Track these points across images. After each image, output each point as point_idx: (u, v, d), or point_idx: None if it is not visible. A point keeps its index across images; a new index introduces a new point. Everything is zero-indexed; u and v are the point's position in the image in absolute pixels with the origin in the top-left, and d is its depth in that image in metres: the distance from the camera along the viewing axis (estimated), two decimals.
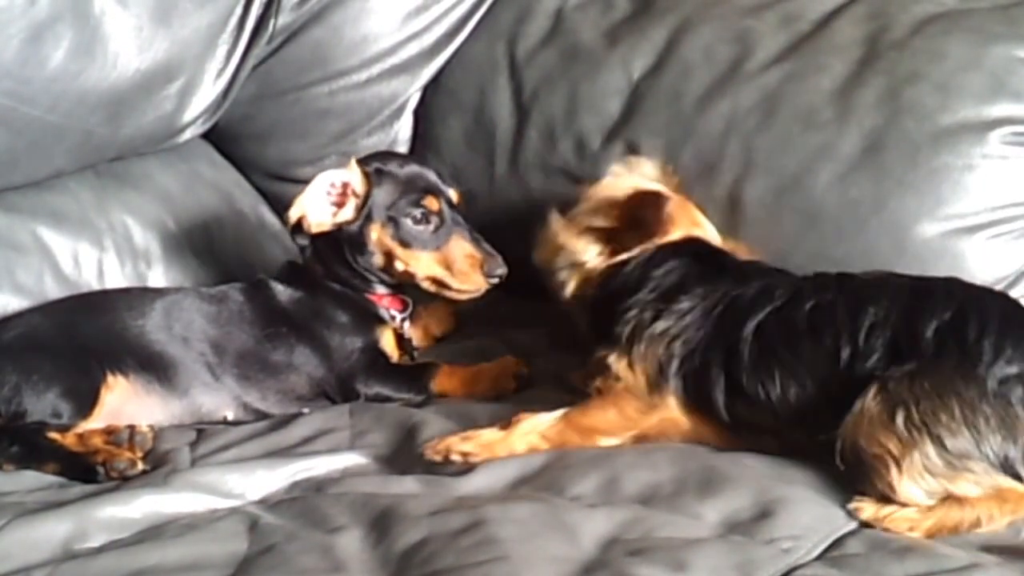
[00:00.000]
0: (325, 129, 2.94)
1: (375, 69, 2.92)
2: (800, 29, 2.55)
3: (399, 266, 2.44)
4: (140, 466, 2.15)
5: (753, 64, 2.55)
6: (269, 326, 2.43)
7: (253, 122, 2.95)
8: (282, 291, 2.47)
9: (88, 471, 2.14)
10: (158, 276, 2.72)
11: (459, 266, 2.42)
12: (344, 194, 2.42)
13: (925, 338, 1.91)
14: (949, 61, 2.38)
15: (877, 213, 2.35)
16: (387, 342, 2.47)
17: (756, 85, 2.53)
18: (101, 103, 2.61)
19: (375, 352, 2.44)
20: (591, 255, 2.29)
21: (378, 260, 2.45)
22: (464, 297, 2.46)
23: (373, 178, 2.43)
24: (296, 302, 2.46)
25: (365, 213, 2.42)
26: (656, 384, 2.08)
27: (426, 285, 2.46)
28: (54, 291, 2.57)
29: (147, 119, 2.73)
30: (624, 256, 2.23)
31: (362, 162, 2.46)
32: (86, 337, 2.35)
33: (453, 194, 2.48)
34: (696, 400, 2.07)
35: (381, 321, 2.48)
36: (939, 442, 1.83)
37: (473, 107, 2.87)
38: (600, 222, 2.30)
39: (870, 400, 1.87)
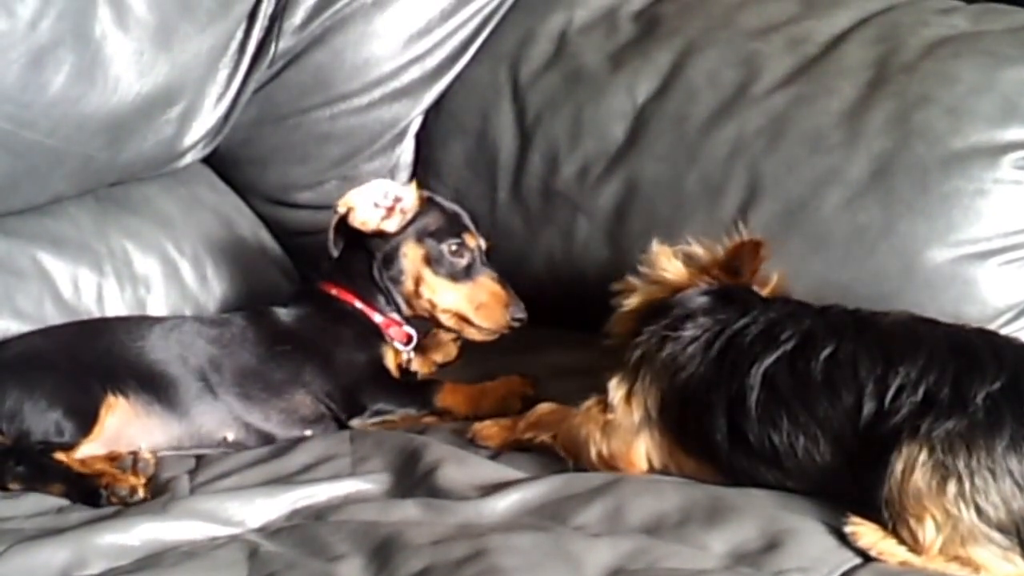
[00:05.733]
0: (326, 154, 2.93)
1: (377, 93, 2.91)
2: (807, 52, 2.53)
3: (424, 293, 2.47)
4: (141, 493, 2.14)
5: (759, 87, 2.53)
6: (275, 345, 2.43)
7: (254, 146, 2.95)
8: (285, 313, 2.48)
9: (92, 494, 2.13)
10: (158, 301, 2.72)
11: (485, 302, 2.47)
12: (392, 208, 2.45)
13: (975, 403, 1.80)
14: (960, 84, 2.36)
15: (886, 238, 2.32)
16: (390, 362, 2.47)
17: (762, 109, 2.51)
18: (101, 127, 2.60)
19: (380, 367, 2.45)
20: (672, 271, 2.16)
21: (407, 285, 2.47)
22: (481, 336, 2.49)
23: (425, 203, 2.48)
24: (301, 320, 2.47)
25: (408, 230, 2.46)
26: (647, 423, 2.04)
27: (446, 319, 2.49)
28: (54, 316, 2.57)
29: (147, 144, 2.73)
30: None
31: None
32: (87, 357, 2.35)
33: (483, 243, 2.53)
34: (695, 442, 2.02)
35: (385, 341, 2.48)
36: (984, 516, 1.76)
37: (475, 131, 2.86)
38: (699, 252, 2.17)
39: (919, 465, 1.78)
